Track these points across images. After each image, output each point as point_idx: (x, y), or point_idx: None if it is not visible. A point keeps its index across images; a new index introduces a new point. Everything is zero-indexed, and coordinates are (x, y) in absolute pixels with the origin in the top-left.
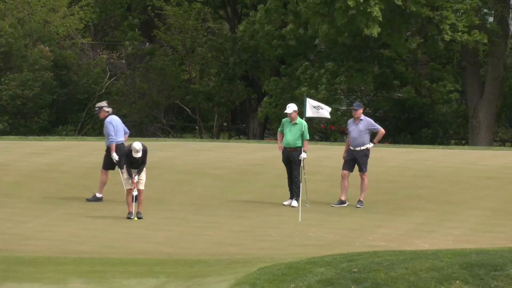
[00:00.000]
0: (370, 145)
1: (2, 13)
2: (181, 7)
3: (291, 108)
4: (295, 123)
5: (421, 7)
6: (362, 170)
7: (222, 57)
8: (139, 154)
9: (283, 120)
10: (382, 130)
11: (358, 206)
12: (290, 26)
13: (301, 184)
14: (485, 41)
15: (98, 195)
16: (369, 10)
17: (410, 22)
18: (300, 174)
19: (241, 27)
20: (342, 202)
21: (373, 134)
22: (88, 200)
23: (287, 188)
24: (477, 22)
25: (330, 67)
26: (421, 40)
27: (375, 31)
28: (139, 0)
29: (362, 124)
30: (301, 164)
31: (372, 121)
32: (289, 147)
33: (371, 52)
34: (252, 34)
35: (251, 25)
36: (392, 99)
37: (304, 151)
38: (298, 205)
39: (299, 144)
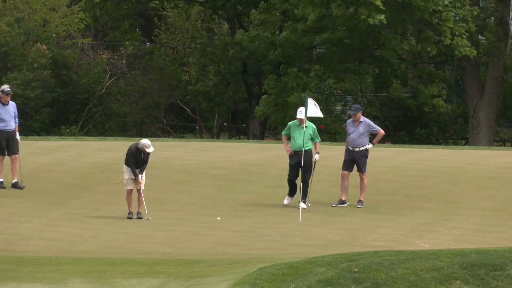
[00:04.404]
0: (369, 146)
1: (1, 13)
2: (180, 8)
3: (304, 113)
4: (305, 126)
5: (426, 1)
6: (361, 170)
7: (215, 63)
8: (152, 149)
9: (289, 123)
10: (381, 132)
11: (358, 206)
12: (286, 32)
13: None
14: (474, 54)
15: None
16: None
17: (406, 23)
18: (312, 175)
19: (237, 35)
20: (342, 202)
21: (372, 135)
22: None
23: (287, 188)
24: (474, 30)
25: (318, 71)
26: (417, 44)
27: (382, 17)
28: (136, 5)
29: (362, 126)
30: (313, 166)
31: (371, 122)
32: (300, 150)
33: (370, 52)
34: (249, 40)
35: (247, 31)
36: (391, 98)
37: (317, 153)
38: (305, 206)
39: (310, 147)
